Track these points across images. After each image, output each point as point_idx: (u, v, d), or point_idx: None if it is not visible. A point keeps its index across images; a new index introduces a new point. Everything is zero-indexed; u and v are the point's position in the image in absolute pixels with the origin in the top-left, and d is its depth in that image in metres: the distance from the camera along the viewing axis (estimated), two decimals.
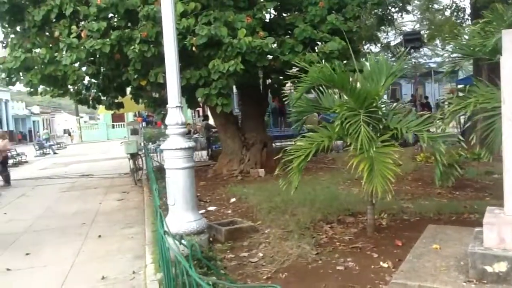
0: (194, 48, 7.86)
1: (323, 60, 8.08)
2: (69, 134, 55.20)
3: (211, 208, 8.09)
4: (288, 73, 6.69)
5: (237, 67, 7.90)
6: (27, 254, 6.61)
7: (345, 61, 9.55)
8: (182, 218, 5.47)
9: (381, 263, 4.71)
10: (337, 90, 6.01)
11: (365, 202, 5.87)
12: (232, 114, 12.11)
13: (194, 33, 7.86)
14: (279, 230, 6.07)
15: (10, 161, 18.33)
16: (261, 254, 5.33)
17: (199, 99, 9.02)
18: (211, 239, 5.92)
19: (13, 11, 9.69)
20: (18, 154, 22.45)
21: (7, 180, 14.40)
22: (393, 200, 5.80)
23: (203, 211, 7.50)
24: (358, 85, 5.77)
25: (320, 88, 5.89)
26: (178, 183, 5.50)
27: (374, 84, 5.62)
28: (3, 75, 10.15)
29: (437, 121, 5.42)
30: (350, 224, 6.18)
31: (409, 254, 4.47)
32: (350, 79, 5.74)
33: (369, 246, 5.24)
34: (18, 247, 7.04)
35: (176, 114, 5.52)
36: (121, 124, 44.67)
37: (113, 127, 46.22)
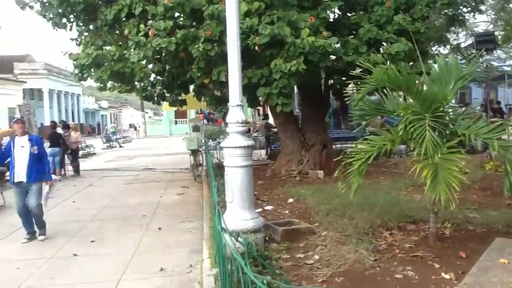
0: (256, 48, 7.90)
1: (388, 62, 7.85)
2: (135, 129, 57.35)
3: (268, 207, 8.10)
4: (351, 74, 6.56)
5: (299, 67, 7.85)
6: (92, 241, 6.94)
7: (411, 63, 9.24)
8: (239, 216, 5.51)
9: (442, 274, 4.51)
10: (401, 93, 5.82)
11: (428, 210, 5.65)
12: (292, 114, 12.05)
13: (257, 33, 7.90)
14: (337, 233, 5.98)
15: (80, 153, 19.32)
16: (317, 257, 5.27)
17: (260, 98, 9.04)
18: (267, 238, 5.92)
19: (87, 10, 10.20)
20: (87, 146, 23.60)
21: (76, 170, 15.20)
22: (457, 209, 5.55)
23: (260, 210, 7.53)
24: (425, 88, 5.56)
25: (384, 90, 5.73)
26: (236, 181, 5.54)
27: (442, 88, 5.39)
28: (76, 70, 10.70)
29: (510, 128, 5.12)
30: (411, 232, 5.97)
31: (473, 267, 4.26)
32: (416, 81, 5.54)
33: (431, 256, 5.04)
34: (85, 234, 7.40)
35: (237, 112, 5.57)
36: (183, 121, 45.85)
37: (176, 123, 47.53)
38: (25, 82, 42.10)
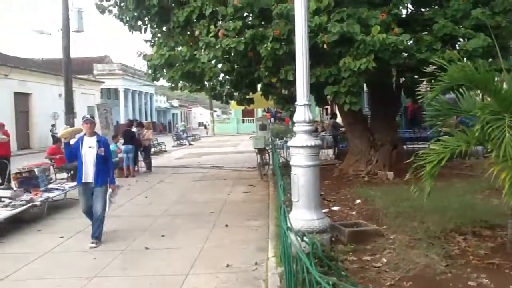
0: (325, 46, 7.82)
1: (465, 59, 7.47)
2: (205, 127, 58.72)
3: (335, 208, 7.99)
4: (424, 72, 6.31)
5: (369, 65, 7.66)
6: (162, 235, 7.19)
7: (490, 60, 8.72)
8: (305, 216, 5.48)
9: None
10: (479, 92, 5.51)
11: (506, 215, 5.32)
12: (361, 113, 11.80)
13: (326, 31, 7.81)
14: (406, 236, 5.79)
15: (152, 150, 20.12)
16: (385, 260, 5.13)
17: (328, 97, 8.95)
18: (333, 239, 5.85)
19: (160, 13, 10.60)
20: (159, 144, 24.47)
21: (149, 167, 15.83)
22: None
23: (326, 210, 7.45)
24: (504, 86, 5.22)
25: (460, 89, 5.45)
26: (302, 180, 5.52)
27: None
28: (150, 71, 11.16)
29: None
30: (487, 238, 5.65)
31: None
32: (496, 79, 5.22)
33: (508, 264, 4.75)
34: (156, 229, 7.69)
35: (304, 111, 5.54)
36: (250, 119, 46.37)
37: (243, 121, 48.17)
38: (103, 82, 44.57)
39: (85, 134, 7.04)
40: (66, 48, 17.51)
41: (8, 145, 13.48)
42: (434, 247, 5.24)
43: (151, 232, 7.47)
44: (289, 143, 5.93)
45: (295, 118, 5.67)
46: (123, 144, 14.75)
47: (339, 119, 16.01)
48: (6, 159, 12.82)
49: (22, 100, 30.33)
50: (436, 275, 4.59)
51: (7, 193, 8.90)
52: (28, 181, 9.82)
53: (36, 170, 10.27)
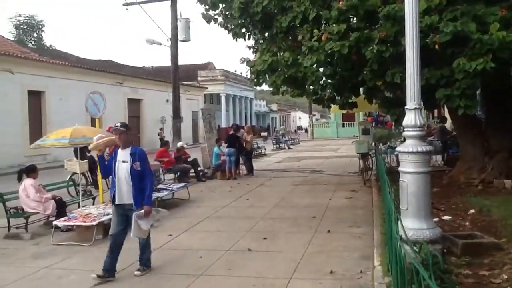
0: (436, 46, 7.40)
1: None
2: (306, 131, 58.62)
3: (446, 217, 7.52)
4: None
5: (487, 66, 7.10)
6: (264, 238, 7.29)
7: None
8: (414, 224, 5.22)
9: None
10: None
11: None
12: (475, 117, 11.00)
13: (437, 30, 7.38)
14: None
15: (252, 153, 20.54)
16: (505, 276, 4.72)
17: (439, 100, 8.44)
18: (444, 250, 5.50)
19: (264, 19, 10.78)
20: (258, 147, 24.96)
21: (250, 170, 16.18)
22: None
23: (436, 219, 7.01)
24: None
25: None
26: (412, 187, 5.27)
27: None
28: (253, 76, 11.40)
29: None
30: None
31: None
32: None
33: None
34: (257, 231, 7.83)
35: (415, 116, 5.29)
36: (350, 123, 45.55)
37: (343, 125, 47.43)
38: (207, 87, 46.56)
39: (119, 146, 6.03)
40: (175, 57, 18.54)
41: None
42: None
43: (253, 234, 7.61)
44: (397, 149, 5.69)
45: (404, 123, 5.43)
46: (227, 147, 15.25)
47: (448, 123, 15.11)
48: None
49: (134, 105, 32.74)
50: None
51: None
52: None
53: None
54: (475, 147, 10.61)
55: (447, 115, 17.11)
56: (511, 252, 5.41)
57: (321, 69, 10.34)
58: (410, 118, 5.32)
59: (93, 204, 9.54)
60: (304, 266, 5.84)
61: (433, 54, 7.64)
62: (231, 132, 16.06)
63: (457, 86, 7.68)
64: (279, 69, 10.57)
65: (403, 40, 6.01)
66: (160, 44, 20.54)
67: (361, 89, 12.10)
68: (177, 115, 18.72)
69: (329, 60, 9.29)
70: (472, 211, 7.76)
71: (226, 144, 15.63)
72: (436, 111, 21.18)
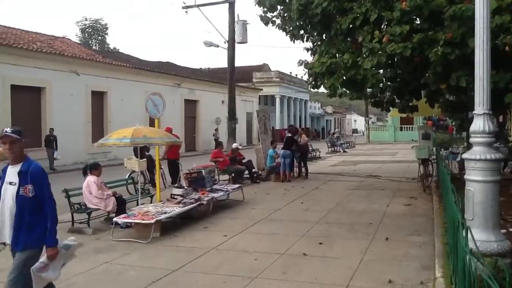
0: (507, 48, 7.03)
1: None
2: (363, 133, 57.43)
3: None
4: None
5: None
6: (320, 243, 7.16)
7: None
8: (481, 236, 4.95)
9: None
10: None
11: None
12: None
13: (509, 31, 7.01)
14: None
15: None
16: None
17: (508, 105, 8.02)
18: None
19: (323, 21, 10.66)
20: (313, 150, 24.75)
21: (306, 173, 16.05)
22: None
23: (504, 231, 6.63)
24: None
25: None
26: (479, 197, 5.01)
27: None
28: (310, 79, 11.31)
29: None
30: None
31: None
32: None
33: None
34: (312, 235, 7.71)
35: (483, 121, 5.04)
36: (409, 127, 44.30)
37: (401, 129, 46.20)
38: (261, 89, 46.79)
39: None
40: (231, 58, 18.74)
41: (179, 147, 14.91)
42: None
43: (308, 239, 7.51)
44: (464, 156, 5.43)
45: (471, 129, 5.18)
46: (282, 148, 15.21)
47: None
48: (177, 161, 14.22)
49: (190, 106, 33.44)
50: None
51: (180, 191, 9.82)
52: (197, 181, 10.70)
53: (203, 171, 11.15)
54: None
55: None
56: None
57: (381, 71, 10.11)
58: (479, 124, 5.06)
59: (151, 202, 9.80)
60: (362, 274, 5.69)
61: (503, 56, 7.27)
62: (288, 134, 16.01)
63: None
64: (338, 72, 10.41)
65: (470, 41, 5.77)
66: (218, 46, 20.85)
67: (422, 92, 11.71)
68: (232, 116, 18.90)
69: (390, 62, 9.06)
70: None
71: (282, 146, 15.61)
72: (501, 116, 20.08)
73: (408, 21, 8.54)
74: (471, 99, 5.38)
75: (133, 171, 12.05)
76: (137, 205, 9.33)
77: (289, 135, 15.86)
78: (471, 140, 5.22)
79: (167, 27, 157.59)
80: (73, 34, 58.37)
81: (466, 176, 5.24)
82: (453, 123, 19.41)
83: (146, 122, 18.62)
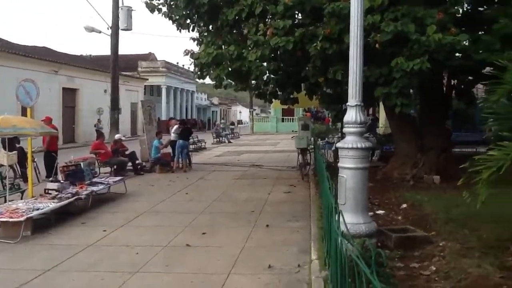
0: (377, 45, 7.60)
1: None
2: (237, 124, 57.22)
3: (380, 212, 7.78)
4: (480, 73, 6.00)
5: (423, 66, 7.38)
6: (203, 233, 7.16)
7: None
8: (351, 219, 5.32)
9: None
10: None
11: None
12: (409, 115, 11.46)
13: (379, 30, 7.58)
14: (457, 244, 5.56)
15: (192, 147, 20.28)
16: (434, 268, 4.94)
17: (377, 98, 8.70)
18: (379, 244, 5.67)
19: (209, 11, 10.59)
20: (199, 141, 24.68)
21: (189, 164, 15.95)
22: None
23: (370, 214, 7.18)
24: None
25: None
26: (351, 183, 5.38)
27: None
28: (196, 69, 11.20)
29: None
30: None
31: None
32: None
33: None
34: (196, 226, 7.68)
35: (356, 112, 5.41)
36: (290, 119, 46.26)
37: (283, 120, 48.09)
38: (147, 79, 45.43)
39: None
40: (115, 46, 17.93)
41: (56, 139, 13.89)
42: (488, 257, 5.00)
43: (192, 229, 7.47)
44: (337, 145, 5.78)
45: (345, 119, 5.52)
46: (180, 139, 15.05)
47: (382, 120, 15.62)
48: (54, 153, 13.23)
49: (69, 95, 31.27)
50: (489, 286, 4.35)
51: (55, 185, 9.14)
52: (74, 174, 10.05)
53: (82, 164, 10.52)
54: (409, 144, 11.05)
55: (382, 112, 17.76)
56: (440, 245, 5.65)
57: (265, 64, 10.34)
58: (351, 114, 5.41)
59: (21, 199, 8.98)
60: (243, 261, 5.79)
61: (373, 52, 7.84)
62: (181, 125, 16.02)
63: (395, 85, 7.94)
64: (224, 63, 10.44)
65: (347, 38, 6.12)
66: (100, 32, 19.78)
67: (302, 85, 12.24)
68: (115, 106, 18.12)
69: (273, 55, 9.30)
70: (404, 205, 8.07)
71: (173, 136, 15.44)
72: (371, 108, 21.88)
73: (291, 15, 8.83)
74: (346, 92, 5.72)
75: (1, 165, 10.94)
76: (5, 202, 8.48)
77: (186, 126, 15.79)
78: (344, 130, 5.56)
79: (43, 9, 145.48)
80: None
81: (339, 164, 5.58)
82: (330, 115, 20.68)
83: (18, 111, 17.05)
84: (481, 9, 9.54)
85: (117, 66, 18.27)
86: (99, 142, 14.42)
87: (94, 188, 9.60)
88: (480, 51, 8.04)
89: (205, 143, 25.94)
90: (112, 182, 10.66)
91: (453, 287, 4.39)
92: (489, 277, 4.51)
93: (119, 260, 5.97)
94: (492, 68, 6.08)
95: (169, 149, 15.89)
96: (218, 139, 32.20)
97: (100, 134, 15.79)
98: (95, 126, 31.50)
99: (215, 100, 76.86)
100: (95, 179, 10.61)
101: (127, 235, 7.21)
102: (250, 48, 9.27)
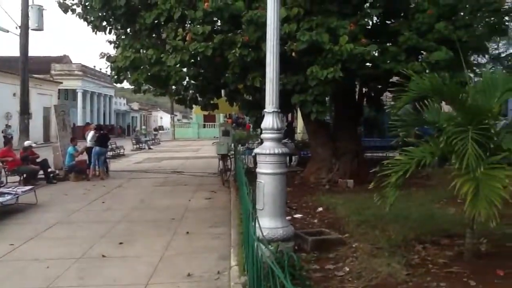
0: (293, 54, 7.83)
1: (427, 71, 7.62)
2: (157, 129, 56.22)
3: (297, 215, 7.97)
4: (389, 82, 6.40)
5: (336, 74, 7.71)
6: (120, 243, 6.92)
7: (450, 73, 8.97)
8: (270, 224, 5.39)
9: None
10: (444, 103, 5.62)
11: (463, 224, 5.43)
12: (324, 122, 11.91)
13: (295, 39, 7.82)
14: (368, 245, 5.82)
15: (110, 153, 19.56)
16: (347, 269, 5.13)
17: (294, 105, 8.96)
18: (296, 247, 5.80)
19: (127, 14, 10.32)
20: (117, 147, 23.89)
21: (107, 171, 15.38)
22: (495, 225, 5.31)
23: (288, 218, 7.36)
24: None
25: (426, 100, 5.54)
26: (269, 188, 5.44)
27: (487, 99, 5.17)
28: (113, 73, 10.84)
29: None
30: (445, 247, 5.74)
31: None
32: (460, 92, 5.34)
33: (466, 273, 4.81)
34: (114, 235, 7.41)
35: (273, 119, 5.48)
36: (212, 125, 46.22)
37: (204, 126, 47.94)
38: (61, 82, 43.20)
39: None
40: (24, 46, 16.92)
41: None
42: (396, 256, 5.28)
43: (108, 239, 7.19)
44: (255, 150, 5.85)
45: (262, 125, 5.59)
46: (97, 146, 14.44)
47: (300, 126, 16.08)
48: None
49: None
50: (397, 284, 4.60)
51: None
52: None
53: None
54: (324, 150, 11.46)
55: (300, 119, 18.29)
56: (353, 246, 5.90)
57: (185, 69, 10.26)
58: (269, 121, 5.49)
59: None
60: (162, 270, 5.68)
61: (290, 60, 8.07)
62: (97, 131, 15.43)
63: (310, 93, 8.22)
64: (142, 67, 10.22)
65: (264, 45, 6.22)
66: (7, 31, 18.53)
67: (223, 91, 12.29)
68: (25, 110, 17.06)
69: (193, 60, 9.26)
70: (320, 209, 8.35)
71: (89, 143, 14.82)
72: (290, 115, 22.48)
73: (210, 21, 8.84)
74: (264, 98, 5.82)
75: None
76: None
77: (103, 132, 15.26)
78: (262, 136, 5.64)
79: None
80: None
81: (257, 169, 5.65)
82: (250, 121, 20.94)
83: None
84: (388, 22, 10.19)
85: (27, 68, 17.24)
86: (6, 149, 13.50)
87: (1, 199, 8.96)
88: (388, 61, 8.59)
89: (124, 149, 25.16)
90: (20, 192, 9.98)
91: (365, 286, 4.58)
92: (396, 275, 4.77)
93: (28, 276, 5.61)
94: (398, 77, 6.52)
95: (85, 156, 15.22)
96: (138, 146, 31.37)
97: (7, 141, 14.78)
98: (2, 132, 29.37)
99: (135, 106, 74.87)
100: (1, 189, 9.90)
101: (37, 248, 6.78)
102: (169, 53, 9.15)
